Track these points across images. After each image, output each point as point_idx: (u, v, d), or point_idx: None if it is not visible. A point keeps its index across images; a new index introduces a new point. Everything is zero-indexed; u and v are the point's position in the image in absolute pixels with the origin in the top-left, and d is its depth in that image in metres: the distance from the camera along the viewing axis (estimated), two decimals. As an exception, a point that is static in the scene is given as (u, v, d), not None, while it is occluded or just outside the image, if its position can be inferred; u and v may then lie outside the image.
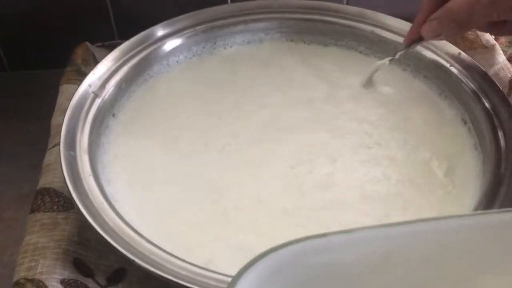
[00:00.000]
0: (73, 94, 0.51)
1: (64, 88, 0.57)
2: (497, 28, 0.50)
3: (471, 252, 0.31)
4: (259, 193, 0.47)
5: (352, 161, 0.50)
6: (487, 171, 0.47)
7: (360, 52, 0.60)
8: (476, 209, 0.44)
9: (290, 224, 0.45)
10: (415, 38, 0.52)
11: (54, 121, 0.54)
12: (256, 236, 0.44)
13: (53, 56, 0.62)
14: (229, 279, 0.37)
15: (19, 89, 0.64)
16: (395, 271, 0.31)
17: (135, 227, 0.42)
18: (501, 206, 0.44)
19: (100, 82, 0.52)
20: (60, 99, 0.56)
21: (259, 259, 0.28)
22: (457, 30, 0.47)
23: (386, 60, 0.55)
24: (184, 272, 0.39)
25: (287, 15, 0.60)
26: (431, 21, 0.48)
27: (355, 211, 0.46)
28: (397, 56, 0.54)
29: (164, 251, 0.40)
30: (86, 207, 0.42)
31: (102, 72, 0.53)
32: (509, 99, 0.52)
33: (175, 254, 0.40)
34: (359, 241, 0.30)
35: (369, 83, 0.56)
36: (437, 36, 0.49)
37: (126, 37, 0.57)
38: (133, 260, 0.39)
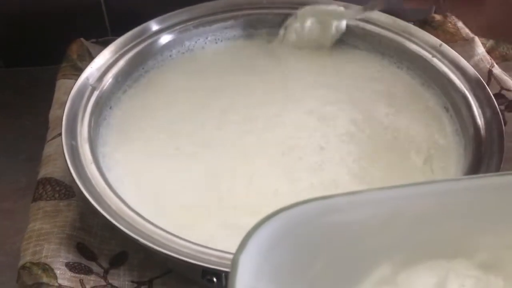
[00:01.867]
0: (70, 89, 0.52)
1: (60, 83, 0.58)
2: None
3: (472, 212, 0.32)
4: (252, 178, 0.49)
5: (338, 147, 0.52)
6: (468, 154, 0.50)
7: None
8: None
9: (283, 204, 0.47)
10: None
11: (52, 114, 0.55)
12: (249, 214, 0.45)
13: (47, 53, 0.63)
14: (230, 256, 0.39)
15: (14, 85, 0.65)
16: (399, 231, 0.32)
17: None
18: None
19: (97, 75, 0.53)
20: (57, 94, 0.57)
21: (269, 218, 0.28)
22: None
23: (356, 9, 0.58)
24: (185, 250, 0.40)
25: (276, 11, 0.62)
26: None
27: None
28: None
29: (166, 231, 0.42)
30: (89, 192, 0.44)
31: (99, 66, 0.54)
32: (488, 88, 0.54)
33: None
34: (364, 202, 0.31)
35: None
36: None
37: (119, 34, 0.57)
38: (138, 240, 0.41)
